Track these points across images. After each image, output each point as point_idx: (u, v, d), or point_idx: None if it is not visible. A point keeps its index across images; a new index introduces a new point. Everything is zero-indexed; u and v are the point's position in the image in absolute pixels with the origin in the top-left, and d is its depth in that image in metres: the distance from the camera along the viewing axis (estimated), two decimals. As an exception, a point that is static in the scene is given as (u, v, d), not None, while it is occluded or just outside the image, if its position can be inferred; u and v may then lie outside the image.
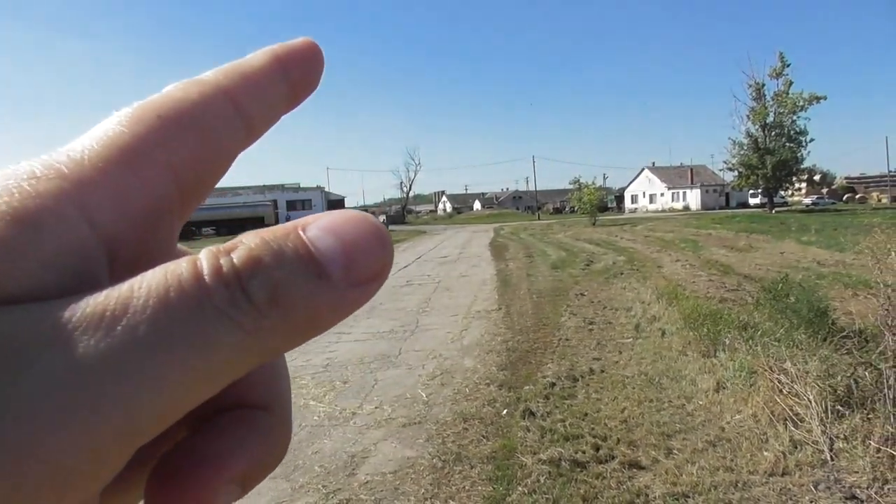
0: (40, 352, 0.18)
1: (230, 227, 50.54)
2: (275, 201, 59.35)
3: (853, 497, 3.76)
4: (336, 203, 70.04)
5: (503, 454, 4.66)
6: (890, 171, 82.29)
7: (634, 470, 4.34)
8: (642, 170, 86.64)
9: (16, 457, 0.17)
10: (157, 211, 0.24)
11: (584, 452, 4.59)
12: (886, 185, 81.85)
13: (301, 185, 68.30)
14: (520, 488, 4.09)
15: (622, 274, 14.54)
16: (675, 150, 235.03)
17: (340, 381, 6.88)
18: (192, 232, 48.99)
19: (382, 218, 61.59)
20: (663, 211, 73.09)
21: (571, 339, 8.28)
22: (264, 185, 65.67)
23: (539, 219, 68.65)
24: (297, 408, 6.02)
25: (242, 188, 64.13)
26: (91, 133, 0.24)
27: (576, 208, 55.97)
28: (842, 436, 4.48)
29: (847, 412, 4.75)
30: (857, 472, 4.00)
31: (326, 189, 69.58)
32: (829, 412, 4.69)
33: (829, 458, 4.22)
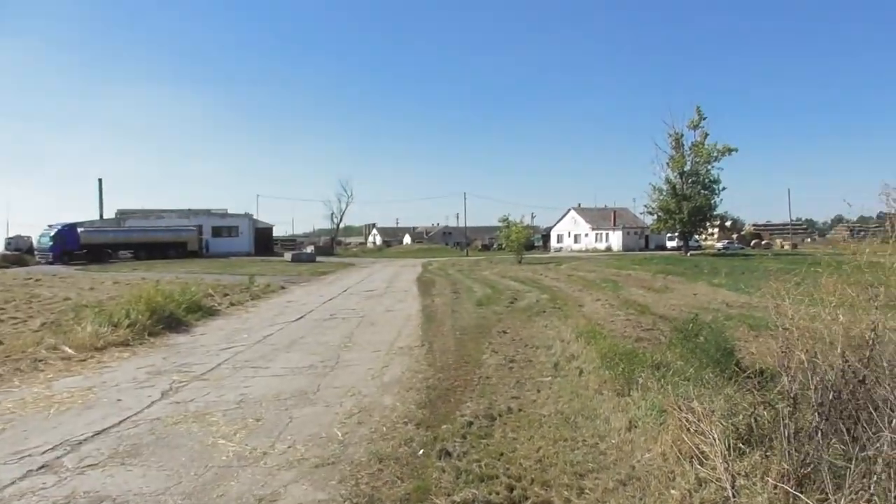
0: None
1: (150, 250, 48.58)
2: (199, 226, 57.38)
3: (751, 535, 3.87)
4: (264, 231, 68.43)
5: (417, 496, 4.58)
6: (791, 221, 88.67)
7: (546, 510, 4.36)
8: (568, 210, 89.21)
9: None
10: None
11: (498, 493, 4.57)
12: (788, 233, 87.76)
13: (228, 212, 66.27)
14: (431, 531, 4.02)
15: (545, 312, 14.80)
16: (600, 192, 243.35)
17: (253, 419, 6.63)
18: (109, 255, 46.85)
19: (311, 249, 60.59)
20: (587, 251, 75.17)
21: (492, 377, 8.31)
22: (190, 210, 63.20)
23: (468, 255, 69.30)
24: (205, 447, 5.75)
25: (166, 211, 61.74)
26: None
27: (503, 246, 56.83)
28: (743, 473, 4.63)
29: (748, 450, 4.92)
30: (755, 510, 4.14)
31: (255, 216, 67.84)
32: (732, 450, 4.86)
33: (731, 495, 4.34)
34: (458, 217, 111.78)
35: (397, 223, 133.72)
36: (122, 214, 60.34)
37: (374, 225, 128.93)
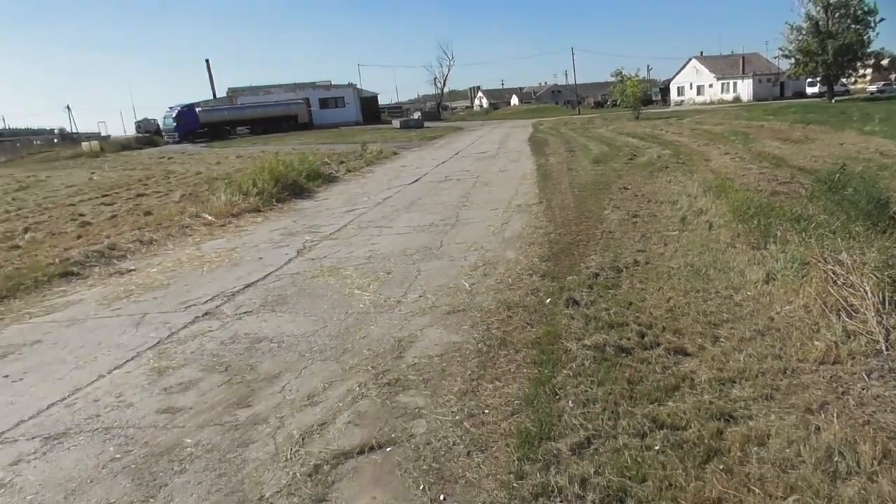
0: None
1: (265, 125, 50.33)
2: (307, 99, 58.15)
3: (908, 384, 3.68)
4: (369, 100, 68.49)
5: (548, 340, 4.68)
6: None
7: (680, 356, 4.33)
8: (689, 60, 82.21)
9: None
10: None
11: (628, 339, 4.59)
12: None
13: (333, 83, 66.44)
14: (565, 371, 4.13)
15: (667, 168, 14.12)
16: (726, 38, 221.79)
17: (384, 272, 6.95)
18: (227, 131, 49.10)
19: (418, 115, 60.40)
20: (712, 103, 69.89)
21: (615, 231, 8.15)
22: (296, 84, 63.76)
23: (579, 113, 66.62)
24: (343, 296, 6.13)
25: (274, 86, 62.89)
26: None
27: (618, 102, 54.10)
28: (898, 327, 4.36)
29: (904, 303, 4.60)
30: (913, 361, 3.91)
31: (359, 86, 67.69)
32: (887, 303, 4.55)
33: (884, 348, 4.12)
34: (566, 75, 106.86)
35: (503, 85, 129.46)
36: (233, 92, 61.91)
37: (478, 88, 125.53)
